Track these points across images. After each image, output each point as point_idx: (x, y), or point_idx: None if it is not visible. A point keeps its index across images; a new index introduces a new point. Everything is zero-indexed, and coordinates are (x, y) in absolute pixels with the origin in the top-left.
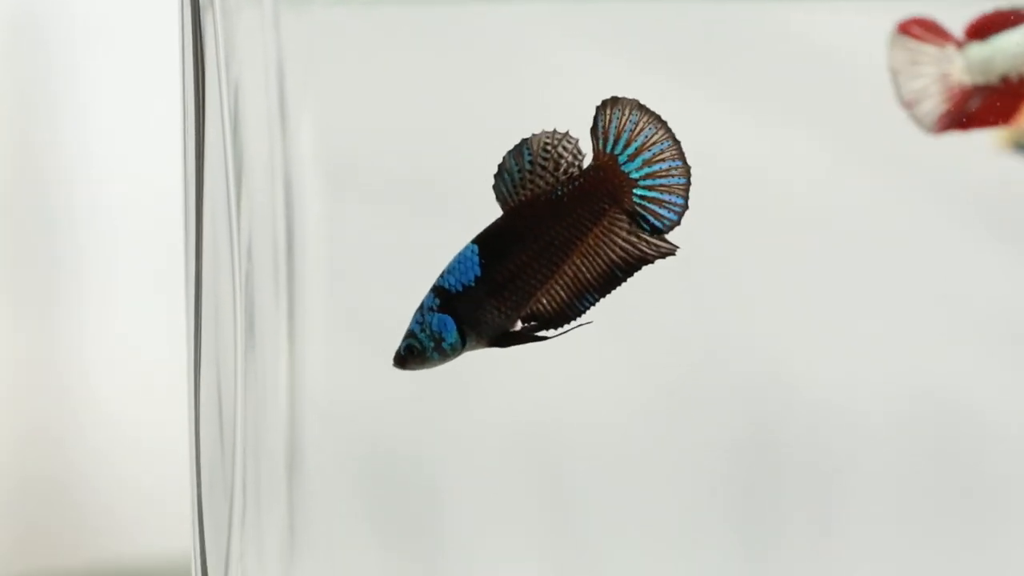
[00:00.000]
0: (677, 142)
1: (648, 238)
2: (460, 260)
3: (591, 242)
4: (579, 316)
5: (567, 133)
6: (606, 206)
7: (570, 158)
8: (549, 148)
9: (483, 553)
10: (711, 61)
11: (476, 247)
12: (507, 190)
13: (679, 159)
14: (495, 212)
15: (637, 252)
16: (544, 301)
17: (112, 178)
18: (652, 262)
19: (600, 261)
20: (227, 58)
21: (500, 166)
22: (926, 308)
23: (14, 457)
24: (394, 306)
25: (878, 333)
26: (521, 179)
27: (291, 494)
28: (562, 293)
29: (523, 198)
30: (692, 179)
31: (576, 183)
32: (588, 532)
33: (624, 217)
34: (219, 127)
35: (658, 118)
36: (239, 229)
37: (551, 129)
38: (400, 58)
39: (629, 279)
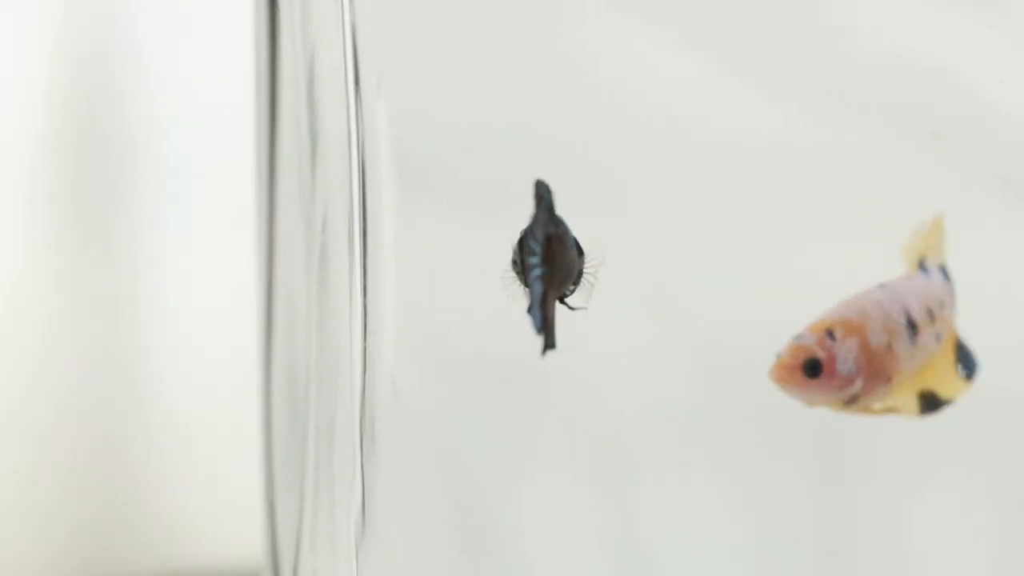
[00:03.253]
0: None
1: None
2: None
3: None
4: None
5: None
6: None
7: None
8: None
9: (553, 544)
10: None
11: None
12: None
13: None
14: (564, 200)
15: None
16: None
17: (179, 159)
18: None
19: None
20: (303, 24)
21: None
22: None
23: (80, 455)
24: (462, 289)
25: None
26: None
27: (364, 476)
28: None
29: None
30: None
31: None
32: (655, 524)
33: None
34: (293, 96)
35: None
36: (315, 200)
37: None
38: (470, 28)
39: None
